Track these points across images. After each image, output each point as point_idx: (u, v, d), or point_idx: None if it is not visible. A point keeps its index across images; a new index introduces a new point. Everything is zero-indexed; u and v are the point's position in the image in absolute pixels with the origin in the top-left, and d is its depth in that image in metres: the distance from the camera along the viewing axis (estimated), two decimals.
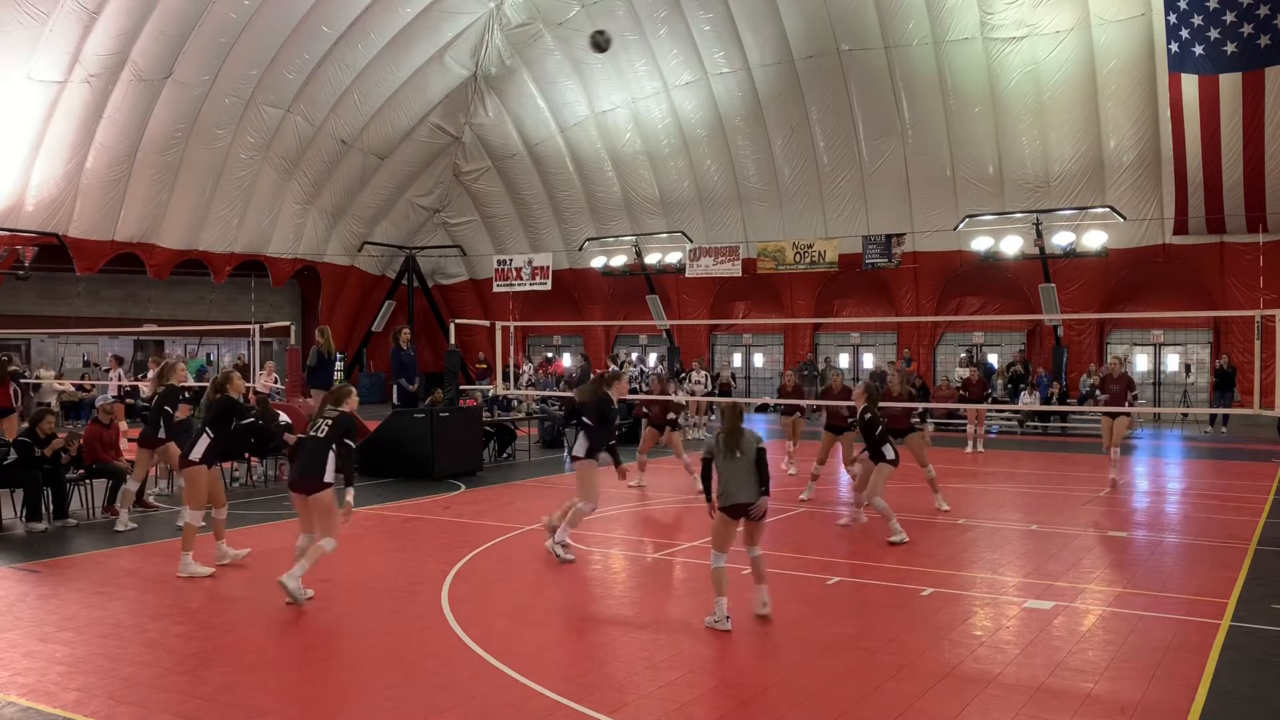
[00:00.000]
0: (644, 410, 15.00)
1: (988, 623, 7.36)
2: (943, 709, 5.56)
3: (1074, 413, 23.11)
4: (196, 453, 8.80)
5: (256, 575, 8.80)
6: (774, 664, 6.36)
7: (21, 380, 17.89)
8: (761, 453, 7.18)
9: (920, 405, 13.80)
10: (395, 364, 16.79)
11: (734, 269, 28.70)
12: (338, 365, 21.99)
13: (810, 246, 27.65)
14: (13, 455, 11.10)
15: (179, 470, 8.73)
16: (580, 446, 9.50)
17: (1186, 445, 20.89)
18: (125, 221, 27.03)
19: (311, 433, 8.01)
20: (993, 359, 27.48)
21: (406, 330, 17.67)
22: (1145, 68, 23.22)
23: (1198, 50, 21.17)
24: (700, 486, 13.19)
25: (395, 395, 16.70)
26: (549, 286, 31.45)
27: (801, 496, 12.81)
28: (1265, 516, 11.72)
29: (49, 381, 22.71)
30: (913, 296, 27.92)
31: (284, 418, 14.69)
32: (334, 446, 7.83)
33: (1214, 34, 20.94)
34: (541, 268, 31.44)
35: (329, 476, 7.79)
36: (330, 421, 7.95)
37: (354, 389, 8.62)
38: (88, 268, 27.02)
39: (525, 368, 27.96)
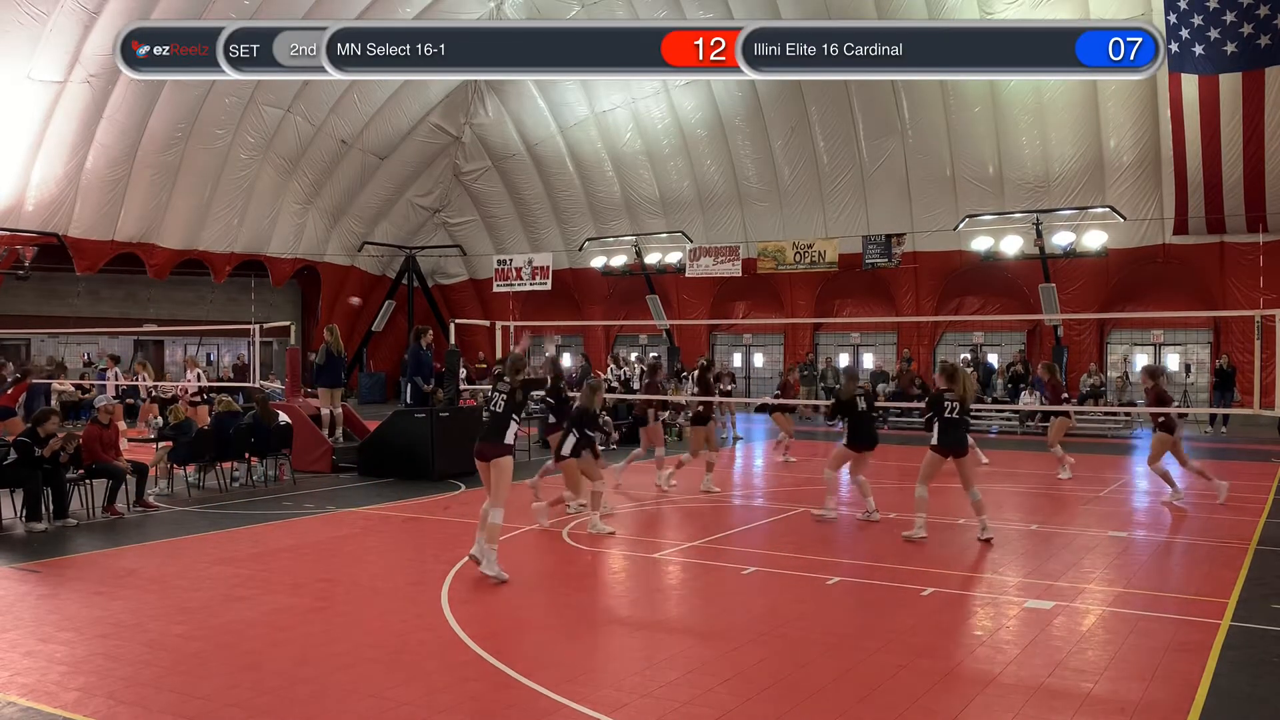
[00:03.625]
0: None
1: (988, 623, 7.36)
2: (943, 709, 5.57)
3: (1074, 413, 23.02)
4: (567, 448, 10.81)
5: (256, 575, 8.80)
6: (774, 664, 6.35)
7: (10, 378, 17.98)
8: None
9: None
10: (414, 362, 16.62)
11: (734, 269, 28.69)
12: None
13: (810, 246, 27.65)
14: (13, 455, 11.10)
15: (561, 463, 10.96)
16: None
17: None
18: (125, 221, 27.03)
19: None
20: (993, 359, 27.46)
21: (430, 331, 17.54)
22: None
23: (1198, 50, 21.15)
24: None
25: (408, 394, 16.64)
26: (549, 286, 31.45)
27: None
28: (1265, 516, 11.72)
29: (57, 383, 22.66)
30: (913, 296, 27.90)
31: (284, 417, 14.76)
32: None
33: (1214, 34, 20.92)
34: (541, 268, 31.46)
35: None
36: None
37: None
38: (88, 268, 27.02)
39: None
